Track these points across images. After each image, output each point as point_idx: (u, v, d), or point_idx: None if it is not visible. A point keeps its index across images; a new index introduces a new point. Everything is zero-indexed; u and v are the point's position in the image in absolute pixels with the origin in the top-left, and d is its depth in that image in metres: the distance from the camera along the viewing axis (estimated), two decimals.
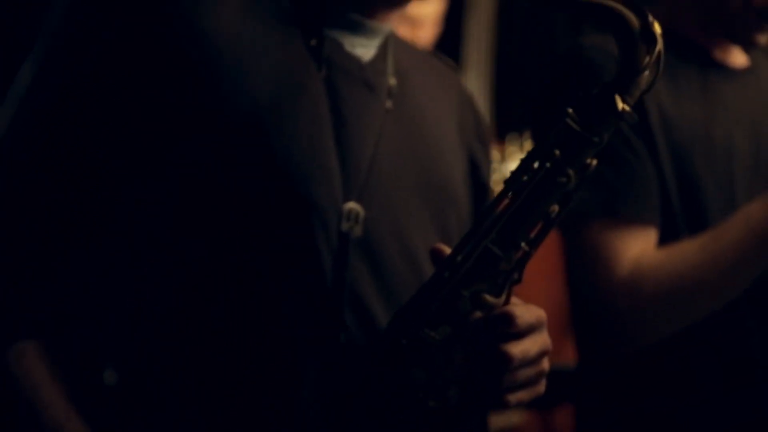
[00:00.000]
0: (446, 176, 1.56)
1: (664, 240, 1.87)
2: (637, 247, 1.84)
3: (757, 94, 2.01)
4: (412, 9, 3.70)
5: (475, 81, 3.77)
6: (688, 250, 1.82)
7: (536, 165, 1.29)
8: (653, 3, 2.06)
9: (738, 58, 2.03)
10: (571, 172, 1.28)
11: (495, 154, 3.69)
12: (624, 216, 1.85)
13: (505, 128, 3.81)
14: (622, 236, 1.84)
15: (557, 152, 1.27)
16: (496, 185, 3.59)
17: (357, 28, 1.47)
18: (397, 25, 3.80)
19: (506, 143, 3.75)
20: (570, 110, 1.28)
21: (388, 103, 1.49)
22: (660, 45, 1.30)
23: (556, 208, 1.29)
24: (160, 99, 1.33)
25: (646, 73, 1.30)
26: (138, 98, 1.33)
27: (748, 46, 2.01)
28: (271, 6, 1.44)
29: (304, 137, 1.37)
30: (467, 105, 1.69)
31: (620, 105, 1.27)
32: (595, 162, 1.29)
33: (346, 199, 1.39)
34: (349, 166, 1.41)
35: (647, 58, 1.29)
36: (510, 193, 1.30)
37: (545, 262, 3.15)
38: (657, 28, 1.30)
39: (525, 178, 1.29)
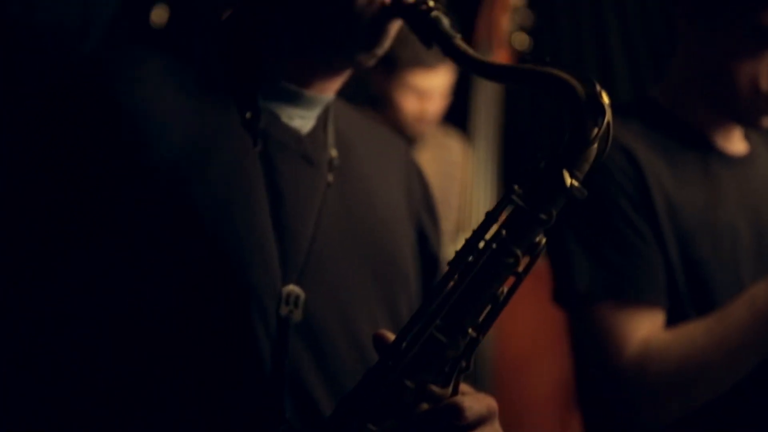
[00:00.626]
0: (393, 250, 1.50)
1: (671, 321, 1.89)
2: (645, 329, 1.86)
3: (757, 181, 2.05)
4: (421, 81, 3.75)
5: (483, 152, 3.79)
6: (695, 332, 1.83)
7: (482, 245, 1.23)
8: (657, 82, 2.10)
9: (738, 144, 2.07)
10: (518, 252, 1.22)
11: None
12: (631, 298, 1.87)
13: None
14: (630, 318, 1.86)
15: (503, 231, 1.22)
16: None
17: (294, 99, 1.42)
18: (405, 96, 3.85)
19: None
20: (516, 187, 1.23)
21: (329, 177, 1.44)
22: (608, 116, 1.24)
23: (504, 289, 1.24)
24: (94, 178, 1.28)
25: (595, 145, 1.24)
26: (74, 182, 1.28)
27: (755, 129, 2.04)
28: (205, 78, 1.39)
29: (240, 218, 1.31)
30: (415, 175, 1.64)
31: (569, 180, 1.22)
32: (544, 240, 1.24)
33: (286, 282, 1.33)
34: (288, 246, 1.35)
35: (596, 130, 1.23)
36: (455, 275, 1.23)
37: (551, 337, 3.17)
38: (605, 98, 1.25)
39: (470, 258, 1.23)
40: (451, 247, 3.44)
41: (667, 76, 2.08)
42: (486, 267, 1.22)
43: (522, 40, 4.00)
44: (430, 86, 3.49)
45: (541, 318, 3.13)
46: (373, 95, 3.66)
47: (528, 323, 3.33)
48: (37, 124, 1.32)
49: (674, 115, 2.01)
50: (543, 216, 1.22)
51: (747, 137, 2.09)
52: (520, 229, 1.22)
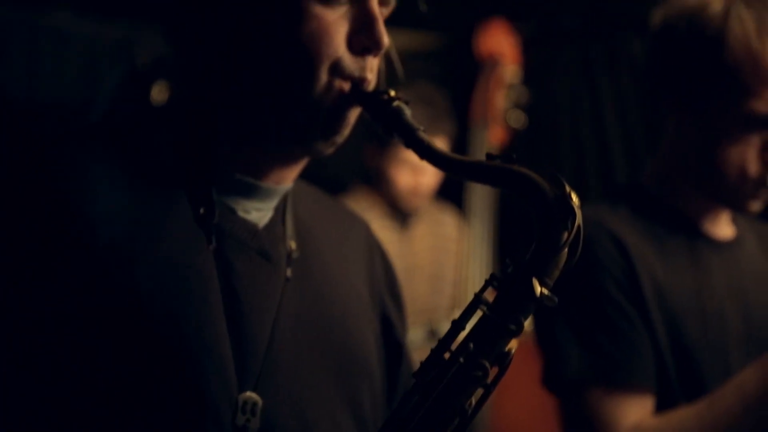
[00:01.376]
0: (356, 344, 1.44)
1: (660, 406, 1.89)
2: (635, 414, 1.86)
3: (744, 266, 2.06)
4: (414, 155, 3.77)
5: (478, 227, 3.81)
6: (685, 417, 1.83)
7: (448, 356, 1.17)
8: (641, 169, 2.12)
9: (725, 229, 2.09)
10: (487, 363, 1.16)
11: None
12: (621, 384, 1.87)
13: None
14: (620, 404, 1.86)
15: (471, 344, 1.16)
16: None
17: (250, 192, 1.35)
18: (399, 171, 3.86)
19: None
20: (483, 295, 1.18)
21: (288, 271, 1.37)
22: (579, 219, 1.16)
23: (472, 401, 1.18)
24: (43, 283, 1.20)
25: (565, 251, 1.17)
26: (22, 283, 1.20)
27: (743, 213, 2.05)
28: (157, 170, 1.32)
29: (193, 321, 1.24)
30: (377, 256, 1.58)
31: (538, 289, 1.15)
32: (514, 349, 1.18)
33: (242, 389, 1.26)
34: (244, 350, 1.28)
35: (566, 235, 1.15)
36: (422, 389, 1.18)
37: (543, 420, 3.15)
38: (575, 198, 1.17)
39: (436, 372, 1.17)
40: (445, 323, 3.45)
41: (654, 161, 2.11)
42: (453, 381, 1.17)
43: (518, 117, 4.05)
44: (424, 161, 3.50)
45: (534, 399, 3.13)
46: (367, 169, 3.69)
47: (521, 404, 3.32)
48: None
49: (662, 200, 2.03)
50: (512, 326, 1.16)
51: (734, 221, 2.11)
52: (488, 340, 1.17)
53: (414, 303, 3.69)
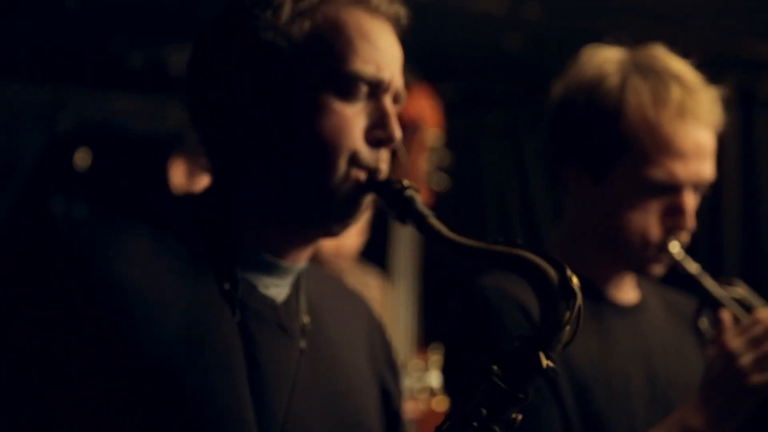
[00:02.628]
0: (361, 411, 1.56)
1: None
2: None
3: (648, 329, 2.11)
4: None
5: (402, 288, 3.83)
6: None
7: (463, 422, 1.31)
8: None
9: (629, 293, 2.14)
10: (497, 428, 1.30)
11: (419, 363, 3.72)
12: None
13: (429, 337, 3.84)
14: None
15: (484, 411, 1.30)
16: (420, 394, 3.58)
17: (270, 269, 1.47)
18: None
19: (429, 352, 3.78)
20: (495, 368, 1.31)
21: (302, 343, 1.49)
22: (579, 300, 1.32)
23: None
24: (79, 357, 1.31)
25: (568, 328, 1.32)
26: (60, 357, 1.31)
27: (646, 277, 2.11)
28: (184, 250, 1.43)
29: (220, 388, 1.36)
30: (377, 332, 1.70)
31: (545, 362, 1.30)
32: (520, 416, 1.31)
33: None
34: (264, 414, 1.39)
35: (567, 314, 1.32)
36: None
37: None
38: (575, 282, 1.32)
39: None
40: None
41: (558, 228, 2.16)
42: None
43: (441, 180, 4.10)
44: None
45: None
46: None
47: None
48: (23, 306, 1.35)
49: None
50: (521, 395, 1.31)
51: (639, 285, 2.17)
52: (499, 408, 1.30)
53: None
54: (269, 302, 1.46)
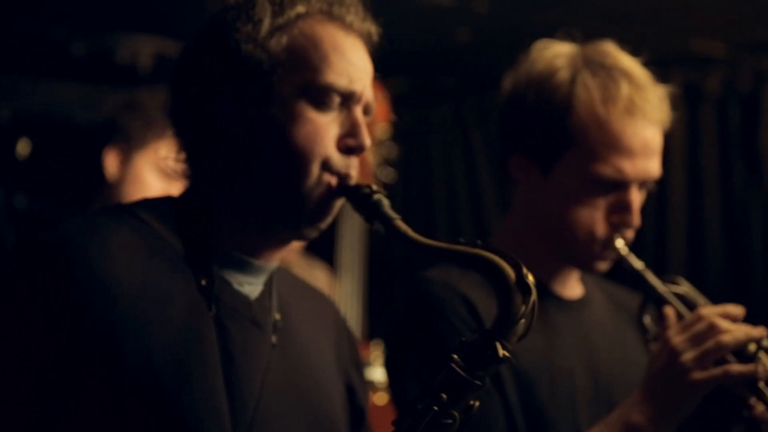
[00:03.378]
0: (328, 406, 1.64)
1: None
2: None
3: (592, 324, 2.12)
4: None
5: (348, 284, 3.82)
6: None
7: (421, 407, 1.38)
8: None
9: (573, 289, 2.15)
10: (456, 413, 1.38)
11: (363, 357, 3.70)
12: None
13: (373, 332, 3.83)
14: None
15: (444, 396, 1.37)
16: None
17: (244, 268, 1.55)
18: None
19: (372, 347, 3.78)
20: (456, 356, 1.38)
21: (274, 339, 1.57)
22: (534, 295, 1.40)
23: None
24: (59, 351, 1.38)
25: (523, 321, 1.40)
26: (42, 353, 1.39)
27: (591, 273, 2.12)
28: (163, 248, 1.51)
29: (196, 378, 1.44)
30: (343, 331, 1.79)
31: (501, 351, 1.38)
32: (477, 403, 1.39)
33: None
34: (237, 404, 1.47)
35: (523, 308, 1.40)
36: None
37: None
38: (531, 279, 1.40)
39: (413, 420, 1.38)
40: None
41: (504, 222, 2.16)
42: (428, 428, 1.38)
43: (388, 174, 4.09)
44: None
45: None
46: None
47: None
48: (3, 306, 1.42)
49: None
50: (478, 382, 1.38)
51: (582, 280, 2.17)
52: (458, 394, 1.38)
53: None
54: (243, 299, 1.54)
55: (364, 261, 3.89)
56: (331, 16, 1.56)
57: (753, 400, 1.86)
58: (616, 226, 2.00)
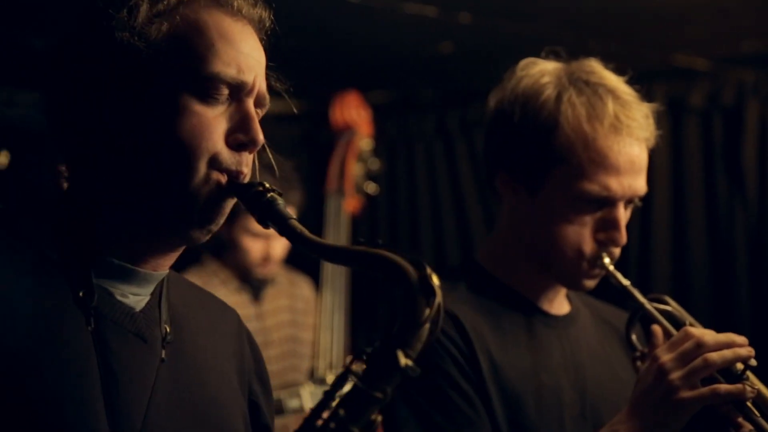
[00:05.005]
0: (225, 423, 1.52)
1: None
2: None
3: (578, 340, 2.11)
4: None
5: (332, 298, 3.80)
6: None
7: (320, 423, 1.27)
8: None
9: (560, 305, 2.14)
10: (355, 429, 1.26)
11: None
12: None
13: (359, 344, 3.80)
14: None
15: (341, 411, 1.26)
16: None
17: (128, 277, 1.43)
18: (250, 240, 3.81)
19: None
20: (353, 366, 1.28)
21: (162, 353, 1.45)
22: (439, 297, 1.28)
23: None
24: None
25: (427, 326, 1.28)
26: None
27: (578, 290, 2.11)
28: (35, 257, 1.39)
29: (70, 400, 1.32)
30: (246, 343, 1.67)
31: (403, 360, 1.26)
32: (380, 418, 1.28)
33: None
34: (120, 425, 1.35)
35: (427, 311, 1.27)
36: None
37: None
38: (435, 280, 1.28)
39: None
40: (295, 399, 3.43)
41: (490, 240, 2.15)
42: None
43: (372, 186, 4.09)
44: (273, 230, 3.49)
45: None
46: (219, 240, 3.66)
47: None
48: None
49: (498, 278, 2.07)
50: (379, 395, 1.27)
51: (569, 297, 2.17)
52: (357, 408, 1.27)
53: (270, 378, 3.65)
54: (127, 310, 1.43)
55: (349, 275, 3.87)
56: (217, 1, 1.44)
57: (740, 420, 1.85)
58: (603, 244, 1.99)
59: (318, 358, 3.73)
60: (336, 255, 1.39)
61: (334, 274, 3.84)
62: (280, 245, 3.63)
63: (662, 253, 4.30)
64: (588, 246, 1.98)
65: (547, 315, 2.09)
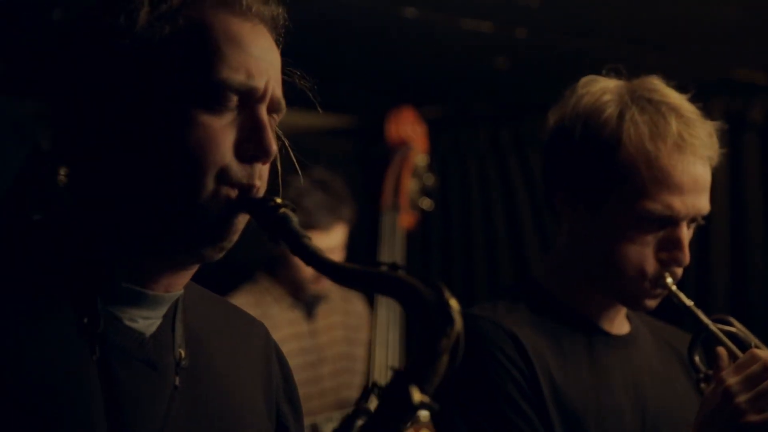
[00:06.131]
0: None
1: None
2: None
3: (639, 360, 2.08)
4: (316, 242, 3.73)
5: (386, 314, 3.79)
6: None
7: None
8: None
9: (621, 325, 2.11)
10: None
11: None
12: None
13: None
14: None
15: None
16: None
17: (137, 300, 1.34)
18: None
19: None
20: (364, 404, 1.20)
21: (176, 380, 1.36)
22: (459, 326, 1.17)
23: None
24: None
25: (445, 357, 1.17)
26: None
27: (639, 310, 2.08)
28: (36, 282, 1.30)
29: None
30: (275, 363, 1.58)
31: (417, 397, 1.15)
32: None
33: None
34: None
35: (445, 341, 1.16)
36: None
37: None
38: (454, 305, 1.17)
39: None
40: None
41: (549, 258, 2.13)
42: None
43: (427, 202, 4.08)
44: (326, 246, 3.51)
45: None
46: (272, 256, 3.67)
47: None
48: None
49: (558, 298, 2.05)
50: None
51: (628, 317, 2.14)
52: None
53: (324, 396, 3.65)
54: (136, 336, 1.33)
55: None
56: (223, 0, 1.33)
57: None
58: (665, 263, 1.97)
59: (373, 375, 3.72)
60: (349, 277, 1.26)
61: None
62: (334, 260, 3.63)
63: (722, 272, 4.22)
64: (650, 265, 1.96)
65: (607, 335, 2.06)
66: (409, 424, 1.18)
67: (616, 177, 1.95)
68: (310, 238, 1.30)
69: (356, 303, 3.96)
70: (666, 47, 3.84)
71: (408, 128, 4.04)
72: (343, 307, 3.87)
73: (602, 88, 2.00)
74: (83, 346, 1.28)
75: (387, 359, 3.74)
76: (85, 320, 1.29)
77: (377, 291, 1.29)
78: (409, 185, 3.99)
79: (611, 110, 1.96)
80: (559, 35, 3.75)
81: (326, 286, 3.69)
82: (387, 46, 3.66)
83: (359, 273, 1.25)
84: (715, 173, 2.01)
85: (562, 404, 1.92)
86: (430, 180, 4.10)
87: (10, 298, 1.28)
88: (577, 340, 2.01)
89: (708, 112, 2.03)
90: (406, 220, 3.97)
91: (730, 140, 4.16)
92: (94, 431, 1.25)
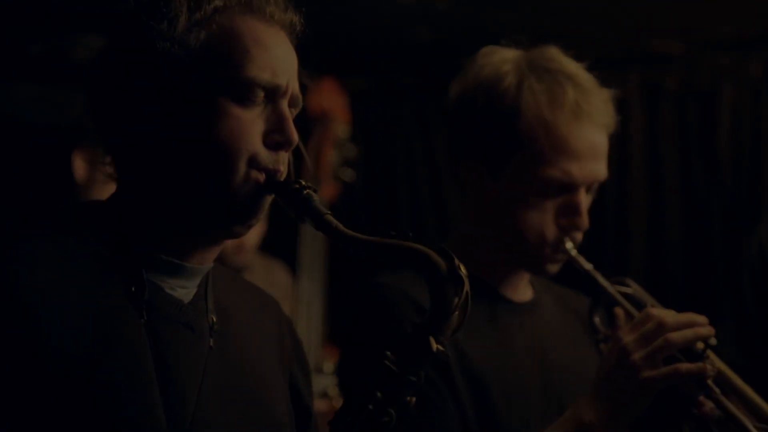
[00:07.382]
0: (270, 407, 1.62)
1: None
2: None
3: (542, 325, 2.14)
4: None
5: (309, 285, 3.81)
6: None
7: (359, 405, 1.38)
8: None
9: (523, 291, 2.17)
10: (392, 411, 1.38)
11: (329, 361, 3.69)
12: None
13: (334, 335, 3.82)
14: None
15: (379, 394, 1.38)
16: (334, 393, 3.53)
17: (176, 271, 1.52)
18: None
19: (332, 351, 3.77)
20: (389, 353, 1.39)
21: (211, 341, 1.54)
22: (467, 286, 1.40)
23: None
24: None
25: (457, 313, 1.40)
26: None
27: (541, 275, 2.13)
28: (89, 256, 1.48)
29: (130, 388, 1.42)
30: (287, 331, 1.76)
31: (434, 346, 1.39)
32: (414, 399, 1.39)
33: None
34: (174, 411, 1.45)
35: (456, 300, 1.40)
36: None
37: None
38: (463, 270, 1.40)
39: (350, 419, 1.39)
40: None
41: (454, 227, 2.17)
42: (364, 427, 1.38)
43: (348, 173, 4.10)
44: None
45: None
46: None
47: None
48: None
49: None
50: (413, 378, 1.39)
51: (531, 283, 2.19)
52: (393, 391, 1.39)
53: None
54: (176, 303, 1.51)
55: (325, 261, 3.88)
56: (250, 8, 1.53)
57: (702, 398, 1.88)
58: (564, 229, 2.02)
59: None
60: (369, 248, 1.45)
61: (312, 261, 3.85)
62: (253, 232, 3.63)
63: (638, 235, 4.32)
64: (550, 231, 2.01)
65: (510, 301, 2.11)
66: (426, 369, 1.40)
67: (516, 145, 2.00)
68: (332, 215, 1.47)
69: (279, 274, 3.97)
70: (584, 18, 3.90)
71: (329, 99, 4.04)
72: (266, 278, 3.88)
73: (501, 58, 2.05)
74: (132, 311, 1.45)
75: (309, 331, 3.76)
76: (133, 288, 1.46)
77: (395, 259, 1.47)
78: (331, 156, 4.00)
79: (510, 79, 2.01)
80: (481, 7, 3.79)
81: (247, 258, 3.70)
82: (308, 16, 3.65)
83: (379, 245, 1.44)
84: (632, 141, 2.06)
85: (468, 367, 1.97)
86: (352, 151, 4.12)
87: (70, 269, 1.44)
88: (480, 307, 2.03)
89: (624, 82, 2.07)
90: (327, 191, 3.98)
91: (646, 109, 4.25)
92: (147, 384, 1.43)
